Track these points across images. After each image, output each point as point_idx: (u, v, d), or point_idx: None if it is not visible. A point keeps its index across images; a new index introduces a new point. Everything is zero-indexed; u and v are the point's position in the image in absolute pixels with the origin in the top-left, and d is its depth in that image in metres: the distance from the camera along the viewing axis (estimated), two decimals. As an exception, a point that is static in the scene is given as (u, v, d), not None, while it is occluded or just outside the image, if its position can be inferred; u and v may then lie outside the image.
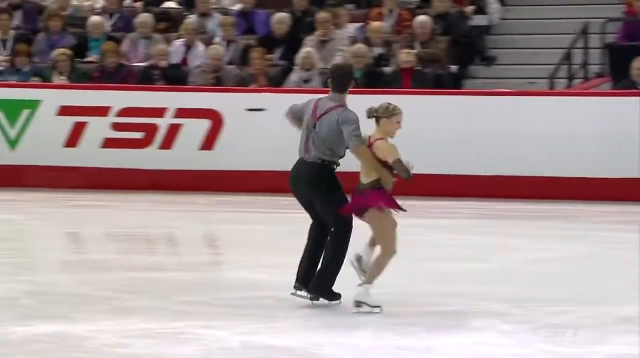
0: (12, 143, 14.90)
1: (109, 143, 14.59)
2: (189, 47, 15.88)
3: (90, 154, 14.70)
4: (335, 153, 7.57)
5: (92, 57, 16.22)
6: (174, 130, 14.45)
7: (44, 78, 15.59)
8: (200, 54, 15.77)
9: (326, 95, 7.73)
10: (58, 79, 15.54)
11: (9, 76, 15.81)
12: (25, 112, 14.81)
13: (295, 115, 7.85)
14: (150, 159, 14.49)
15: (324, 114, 7.55)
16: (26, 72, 15.70)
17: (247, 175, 14.07)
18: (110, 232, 13.01)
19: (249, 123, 14.34)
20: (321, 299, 7.76)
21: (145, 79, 15.33)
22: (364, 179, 7.41)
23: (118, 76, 15.56)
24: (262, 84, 14.84)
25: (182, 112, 14.50)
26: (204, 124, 14.37)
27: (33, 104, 14.83)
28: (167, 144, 14.50)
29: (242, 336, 7.70)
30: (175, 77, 15.25)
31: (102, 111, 14.65)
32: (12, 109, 14.92)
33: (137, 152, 14.59)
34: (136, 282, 9.85)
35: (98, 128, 14.59)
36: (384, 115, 7.25)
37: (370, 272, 7.42)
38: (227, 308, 8.60)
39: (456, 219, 13.43)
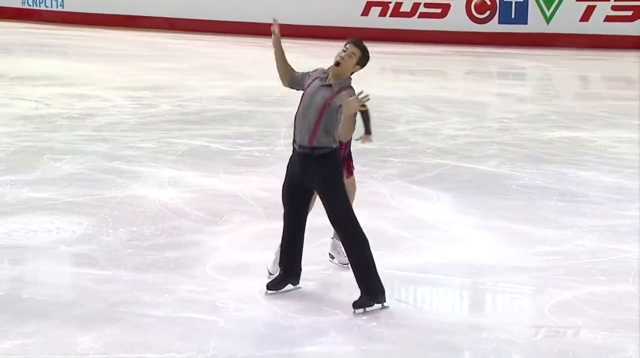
0: (548, 20, 19.09)
1: (608, 18, 18.86)
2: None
3: (597, 25, 18.76)
4: None
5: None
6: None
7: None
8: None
9: None
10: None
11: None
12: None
13: None
14: (633, 28, 18.78)
15: None
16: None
17: None
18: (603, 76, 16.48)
19: None
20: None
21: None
22: None
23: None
24: None
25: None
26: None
27: (564, -2, 18.97)
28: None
29: None
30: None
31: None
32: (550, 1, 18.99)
33: (626, 24, 18.85)
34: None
35: (602, 9, 18.88)
36: None
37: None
38: None
39: None
